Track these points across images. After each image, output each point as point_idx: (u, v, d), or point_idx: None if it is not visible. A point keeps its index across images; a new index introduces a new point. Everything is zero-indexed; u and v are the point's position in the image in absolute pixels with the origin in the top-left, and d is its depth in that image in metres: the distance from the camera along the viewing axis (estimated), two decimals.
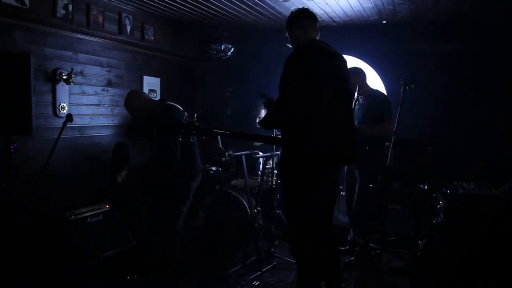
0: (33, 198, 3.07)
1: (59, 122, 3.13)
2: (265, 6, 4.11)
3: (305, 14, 2.68)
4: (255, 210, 3.95)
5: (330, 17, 4.52)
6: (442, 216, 3.00)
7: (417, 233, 3.49)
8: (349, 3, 3.95)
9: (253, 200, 3.98)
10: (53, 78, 3.50)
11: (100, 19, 3.85)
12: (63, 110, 3.57)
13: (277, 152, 4.12)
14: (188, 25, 4.97)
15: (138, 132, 4.39)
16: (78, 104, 3.79)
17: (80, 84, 3.80)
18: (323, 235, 2.62)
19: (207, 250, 3.92)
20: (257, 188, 4.18)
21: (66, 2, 3.49)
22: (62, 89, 3.57)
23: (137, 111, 3.30)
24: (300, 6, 3.10)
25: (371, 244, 3.72)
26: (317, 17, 2.73)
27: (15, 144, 2.75)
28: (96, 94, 3.99)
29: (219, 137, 4.75)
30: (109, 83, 4.15)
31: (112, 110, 4.19)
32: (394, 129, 3.47)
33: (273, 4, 4.03)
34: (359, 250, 3.76)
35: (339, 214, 4.46)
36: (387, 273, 3.62)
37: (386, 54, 4.96)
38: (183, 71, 5.36)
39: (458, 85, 4.71)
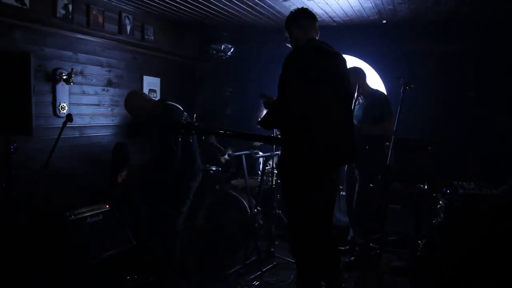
0: (33, 198, 3.08)
1: (59, 122, 3.13)
2: (265, 6, 4.11)
3: (304, 14, 2.68)
4: (255, 210, 3.95)
5: (330, 16, 4.52)
6: (442, 216, 3.00)
7: (417, 233, 3.49)
8: (349, 3, 3.95)
9: (253, 200, 3.98)
10: (53, 78, 3.50)
11: (100, 19, 3.85)
12: (63, 110, 3.56)
13: (277, 152, 4.12)
14: (188, 25, 4.97)
15: (138, 132, 4.39)
16: (78, 104, 3.79)
17: (80, 84, 3.80)
18: (322, 235, 2.62)
19: (207, 250, 3.92)
20: (257, 188, 4.18)
21: (66, 2, 3.49)
22: (62, 89, 3.57)
23: (137, 111, 3.30)
24: (300, 6, 3.11)
25: (371, 244, 3.72)
26: (317, 16, 2.73)
27: (15, 144, 2.75)
28: (96, 94, 3.99)
29: (213, 137, 4.75)
30: (109, 83, 4.15)
31: (112, 110, 4.19)
32: (394, 129, 3.47)
33: (273, 4, 4.03)
34: (359, 250, 3.76)
35: (339, 214, 4.46)
36: (387, 273, 3.62)
37: (386, 54, 4.95)
38: (183, 71, 5.36)
39: (458, 85, 4.71)
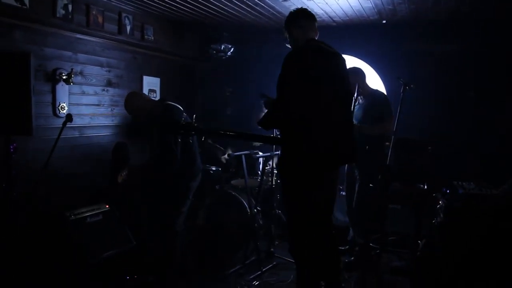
0: (33, 198, 3.08)
1: (59, 122, 3.13)
2: (265, 6, 4.11)
3: (303, 14, 2.68)
4: (255, 210, 3.95)
5: (330, 16, 4.52)
6: (442, 216, 3.00)
7: (417, 233, 3.49)
8: (349, 3, 3.95)
9: (253, 200, 3.98)
10: (53, 78, 3.50)
11: (100, 19, 3.85)
12: (63, 110, 3.56)
13: (277, 152, 4.12)
14: (188, 25, 4.97)
15: (138, 132, 4.39)
16: (78, 104, 3.79)
17: (80, 84, 3.80)
18: (322, 235, 2.62)
19: (207, 250, 3.92)
20: (257, 188, 4.18)
21: (66, 2, 3.49)
22: (62, 89, 3.57)
23: (137, 112, 3.30)
24: (300, 6, 3.11)
25: (371, 244, 3.72)
26: (317, 17, 2.74)
27: (15, 144, 2.75)
28: (96, 94, 3.99)
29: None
30: (109, 83, 4.15)
31: (112, 110, 4.19)
32: (394, 129, 3.47)
33: (273, 4, 4.03)
34: (359, 250, 3.76)
35: (339, 214, 4.46)
36: (387, 273, 3.62)
37: (386, 54, 4.95)
38: (183, 71, 5.36)
39: (458, 85, 4.71)
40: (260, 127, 2.65)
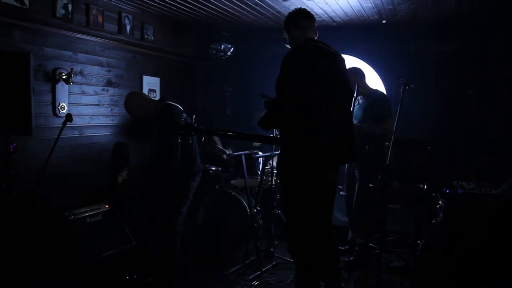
0: (32, 198, 3.07)
1: (59, 122, 3.13)
2: (265, 6, 4.11)
3: (302, 14, 2.68)
4: (255, 210, 3.95)
5: (330, 16, 4.51)
6: (441, 215, 3.01)
7: (417, 233, 3.50)
8: (348, 2, 3.95)
9: (252, 200, 3.98)
10: (52, 78, 3.49)
11: (100, 19, 3.85)
12: (62, 110, 3.56)
13: (277, 152, 4.12)
14: (188, 24, 4.97)
15: (138, 132, 4.39)
16: (77, 104, 3.79)
17: (80, 84, 3.80)
18: (322, 235, 2.62)
19: (206, 249, 3.92)
20: (256, 188, 4.18)
21: (65, 1, 3.48)
22: (62, 89, 3.57)
23: (137, 112, 3.31)
24: (300, 6, 3.11)
25: (370, 244, 3.72)
26: (317, 16, 2.74)
27: (14, 144, 2.75)
28: (95, 94, 3.99)
29: (218, 138, 4.75)
30: (109, 83, 4.15)
31: (111, 110, 4.19)
32: (394, 129, 3.47)
33: (273, 4, 4.03)
34: (359, 249, 3.76)
35: (339, 214, 4.46)
36: (387, 272, 3.62)
37: (386, 54, 4.96)
38: (183, 71, 5.35)
39: (458, 85, 4.72)
40: (260, 127, 2.64)
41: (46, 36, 3.44)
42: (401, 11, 4.22)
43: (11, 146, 2.72)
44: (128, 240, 3.41)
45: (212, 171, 4.34)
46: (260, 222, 4.06)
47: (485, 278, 2.71)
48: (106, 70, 4.11)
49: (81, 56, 3.78)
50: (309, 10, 2.75)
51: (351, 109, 3.01)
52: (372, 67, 4.96)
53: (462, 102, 4.68)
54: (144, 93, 4.22)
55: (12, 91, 2.57)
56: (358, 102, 3.82)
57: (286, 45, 2.77)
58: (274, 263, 3.83)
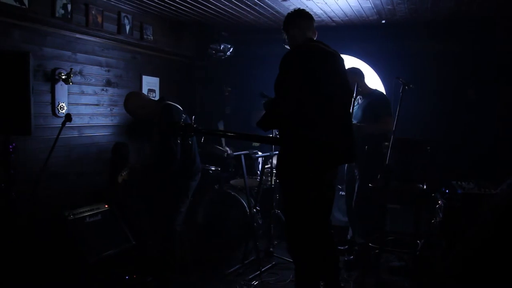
0: (32, 198, 3.07)
1: (58, 122, 3.13)
2: (264, 6, 4.11)
3: (301, 15, 2.68)
4: (254, 210, 3.95)
5: (329, 17, 4.51)
6: (441, 215, 3.01)
7: (416, 233, 3.50)
8: (348, 3, 3.95)
9: (252, 200, 3.98)
10: (52, 78, 3.49)
11: (99, 19, 3.85)
12: (62, 110, 3.56)
13: (276, 152, 4.12)
14: (187, 24, 4.97)
15: (138, 132, 4.38)
16: (77, 104, 3.79)
17: (79, 84, 3.80)
18: (321, 235, 2.62)
19: (206, 249, 3.92)
20: (256, 188, 4.18)
21: (65, 1, 3.48)
22: (61, 89, 3.57)
23: (136, 112, 3.30)
24: (299, 6, 3.11)
25: (370, 244, 3.72)
26: (316, 17, 2.74)
27: (14, 144, 2.74)
28: (95, 93, 3.99)
29: (222, 139, 4.76)
30: (108, 83, 4.15)
31: (111, 110, 4.19)
32: (394, 129, 3.47)
33: (272, 4, 4.03)
34: (358, 249, 3.77)
35: (338, 214, 4.46)
36: (386, 272, 3.62)
37: (386, 54, 4.96)
38: (182, 71, 5.35)
39: (458, 85, 4.72)
40: (259, 128, 2.64)
41: (45, 36, 3.44)
42: (401, 11, 4.23)
43: (11, 146, 2.71)
44: (128, 240, 3.41)
45: (212, 171, 4.34)
46: (260, 222, 4.07)
47: (485, 278, 2.71)
48: (106, 70, 4.11)
49: (80, 56, 3.78)
50: (308, 10, 2.76)
51: (351, 109, 3.01)
52: (372, 67, 4.96)
53: (462, 102, 4.68)
54: (143, 93, 4.22)
55: (11, 91, 2.57)
56: (358, 102, 3.82)
57: (285, 46, 2.77)
58: (273, 263, 3.83)
